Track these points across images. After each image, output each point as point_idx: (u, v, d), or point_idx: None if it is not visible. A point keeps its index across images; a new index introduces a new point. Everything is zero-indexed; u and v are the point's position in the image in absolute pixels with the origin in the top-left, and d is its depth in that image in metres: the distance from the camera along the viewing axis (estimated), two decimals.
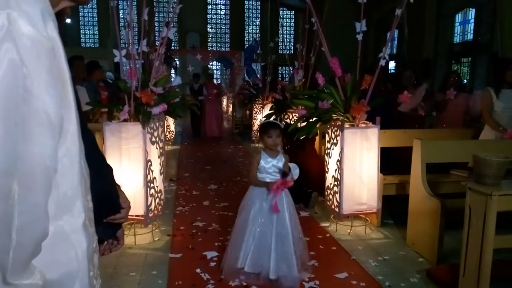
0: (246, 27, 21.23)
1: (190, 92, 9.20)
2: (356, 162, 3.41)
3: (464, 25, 12.32)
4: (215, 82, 11.79)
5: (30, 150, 0.47)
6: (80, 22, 19.80)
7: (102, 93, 4.53)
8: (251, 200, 2.56)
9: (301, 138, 3.87)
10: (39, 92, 0.47)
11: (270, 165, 2.55)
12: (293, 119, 5.12)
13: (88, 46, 19.78)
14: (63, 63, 0.54)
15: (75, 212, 0.61)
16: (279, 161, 2.57)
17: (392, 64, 13.84)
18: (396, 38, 13.58)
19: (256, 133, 8.73)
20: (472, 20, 11.87)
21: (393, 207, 3.79)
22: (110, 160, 3.41)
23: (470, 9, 11.96)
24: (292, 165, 2.60)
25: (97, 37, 20.00)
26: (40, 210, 0.50)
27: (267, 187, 2.48)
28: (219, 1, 21.00)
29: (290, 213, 2.54)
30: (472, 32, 11.87)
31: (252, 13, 21.23)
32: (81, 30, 19.95)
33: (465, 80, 12.29)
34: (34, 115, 0.47)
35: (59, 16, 0.73)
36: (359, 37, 3.50)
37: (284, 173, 2.50)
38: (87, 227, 0.64)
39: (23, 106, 0.46)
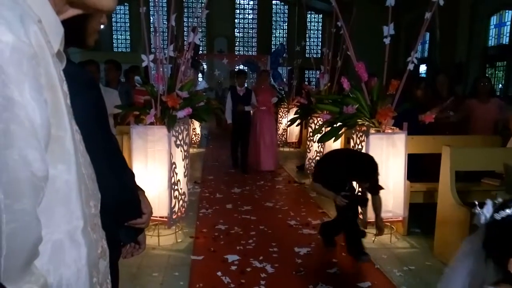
0: (274, 31, 21.24)
1: (231, 99, 5.96)
2: (381, 168, 3.33)
3: (500, 28, 11.86)
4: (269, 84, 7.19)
5: (13, 158, 0.47)
6: (113, 27, 20.44)
7: (137, 96, 4.65)
8: None
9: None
10: (22, 99, 0.47)
11: None
12: (317, 124, 5.08)
13: (120, 50, 20.38)
14: (52, 69, 0.54)
15: (73, 218, 0.60)
16: None
17: (423, 68, 13.50)
18: (427, 42, 13.25)
19: (281, 137, 8.64)
20: (509, 23, 11.42)
21: (420, 215, 3.67)
22: (136, 162, 3.50)
23: (507, 11, 11.51)
24: None
25: (128, 42, 20.58)
26: (29, 216, 0.50)
27: None
28: (247, 6, 21.16)
29: None
30: (508, 35, 11.42)
31: (280, 17, 21.24)
32: (114, 35, 20.58)
33: (500, 85, 11.83)
34: (16, 122, 0.47)
35: (85, 23, 0.73)
36: (387, 40, 3.44)
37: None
38: (88, 233, 0.63)
39: (3, 114, 0.45)
